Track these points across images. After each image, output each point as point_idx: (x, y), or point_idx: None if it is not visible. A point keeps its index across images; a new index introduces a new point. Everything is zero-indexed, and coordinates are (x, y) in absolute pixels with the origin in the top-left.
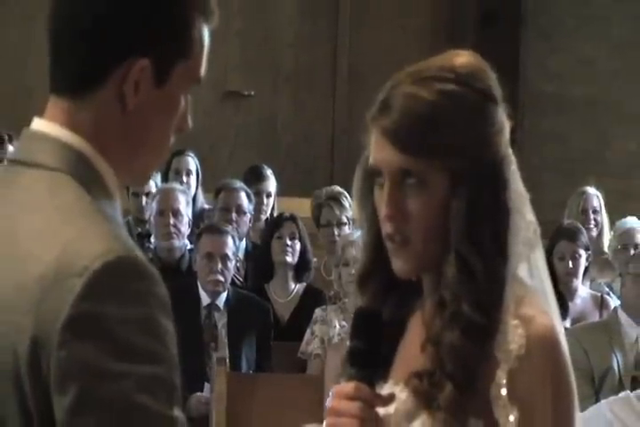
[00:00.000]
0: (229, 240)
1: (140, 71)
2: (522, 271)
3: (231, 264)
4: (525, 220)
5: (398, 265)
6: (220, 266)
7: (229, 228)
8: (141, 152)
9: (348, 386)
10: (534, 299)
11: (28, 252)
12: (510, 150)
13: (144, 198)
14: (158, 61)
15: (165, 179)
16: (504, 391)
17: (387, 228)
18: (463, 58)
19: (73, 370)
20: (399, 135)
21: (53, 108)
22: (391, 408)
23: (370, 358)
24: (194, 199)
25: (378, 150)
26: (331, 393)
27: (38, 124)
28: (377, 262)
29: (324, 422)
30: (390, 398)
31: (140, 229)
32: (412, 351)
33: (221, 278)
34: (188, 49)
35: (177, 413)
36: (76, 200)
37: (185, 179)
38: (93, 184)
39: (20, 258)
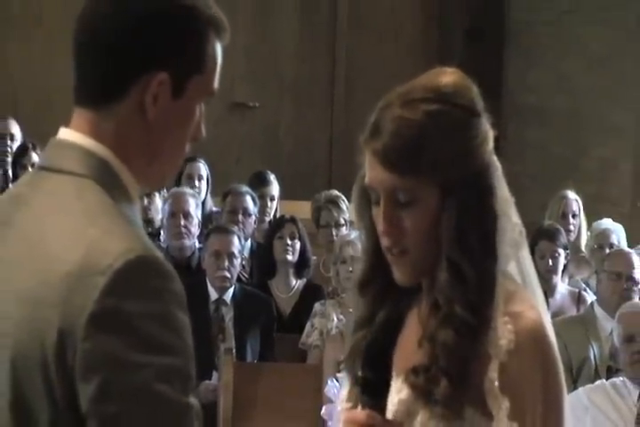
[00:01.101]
0: (235, 240)
1: (159, 85)
2: (511, 269)
3: (237, 262)
4: (511, 222)
5: (398, 274)
6: (226, 263)
7: (235, 228)
8: (159, 159)
9: (362, 413)
10: (523, 294)
11: (54, 251)
12: (495, 158)
13: (145, 199)
14: (176, 75)
15: (178, 183)
16: (496, 384)
17: (385, 241)
18: (447, 77)
19: (97, 361)
20: (389, 157)
21: (78, 119)
22: (394, 406)
23: (379, 388)
24: (203, 202)
25: (371, 171)
26: (342, 419)
27: (65, 134)
28: (376, 269)
29: None
30: (399, 425)
31: (150, 230)
32: (410, 346)
33: (228, 275)
34: (203, 64)
35: (192, 400)
36: (99, 204)
37: (197, 183)
38: (116, 189)
39: (47, 257)
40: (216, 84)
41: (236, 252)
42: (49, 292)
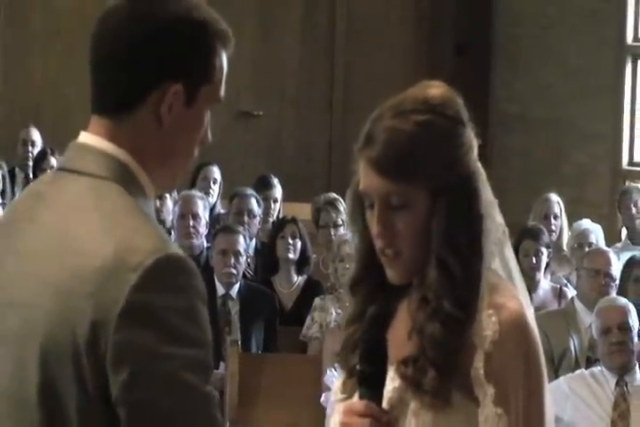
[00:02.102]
0: (241, 239)
1: (174, 95)
2: (495, 265)
3: (242, 259)
4: (495, 223)
5: (392, 274)
6: (232, 261)
7: (241, 228)
8: (172, 162)
9: (359, 404)
10: (506, 286)
11: (84, 247)
12: (479, 164)
13: (157, 201)
14: (188, 86)
15: (193, 185)
16: (481, 372)
17: (379, 243)
18: (434, 89)
19: (127, 352)
20: (382, 165)
21: (96, 125)
22: (389, 393)
23: (377, 380)
24: (213, 204)
25: (365, 178)
26: (342, 410)
27: (85, 138)
28: (368, 269)
29: None
30: (394, 415)
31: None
32: (400, 337)
33: (234, 271)
34: (211, 74)
35: (211, 389)
36: (124, 204)
37: (211, 186)
38: (135, 190)
39: (77, 252)
40: (222, 92)
41: (241, 250)
42: (81, 285)
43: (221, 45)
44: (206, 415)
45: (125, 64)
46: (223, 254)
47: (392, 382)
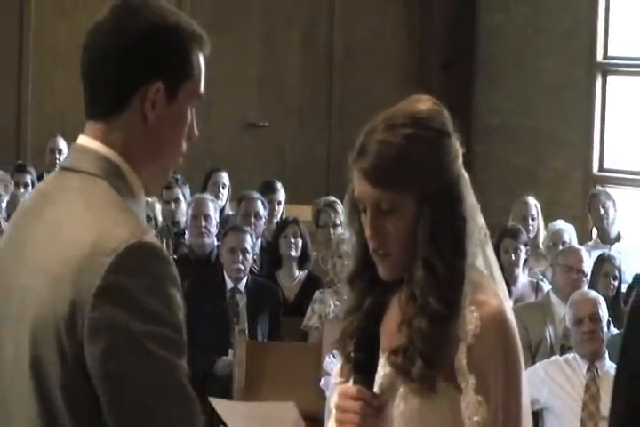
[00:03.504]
0: (248, 238)
1: (155, 92)
2: (478, 263)
3: (249, 256)
4: (478, 225)
5: (382, 272)
6: (240, 257)
7: (248, 228)
8: (162, 157)
9: (353, 389)
10: (487, 283)
11: (71, 237)
12: (464, 171)
13: (173, 204)
14: (169, 83)
15: (204, 190)
16: (464, 362)
17: (371, 244)
18: (422, 104)
19: (102, 328)
20: (373, 176)
21: (91, 129)
22: (380, 378)
23: (369, 368)
24: (223, 207)
25: (359, 186)
26: (337, 394)
27: (83, 140)
28: (363, 266)
29: (333, 417)
30: (384, 400)
31: (176, 229)
32: (392, 328)
33: (242, 267)
34: (190, 72)
35: (181, 363)
36: (110, 199)
37: (221, 190)
38: (123, 187)
39: (65, 241)
40: (202, 88)
41: (248, 248)
42: (65, 270)
43: (196, 46)
44: (176, 385)
45: (111, 72)
46: (232, 252)
47: (383, 369)
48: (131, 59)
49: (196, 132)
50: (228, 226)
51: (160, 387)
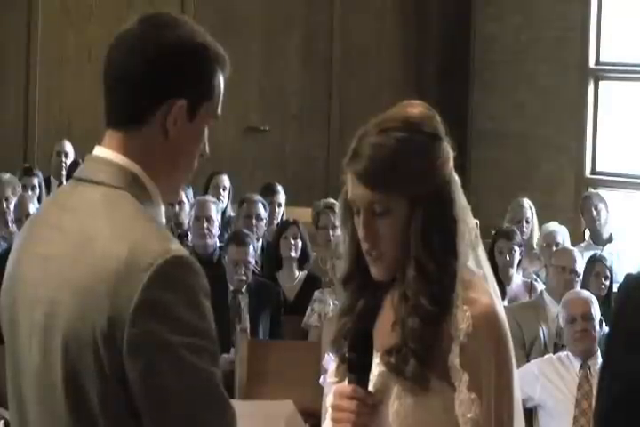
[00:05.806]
0: (250, 249)
1: (179, 109)
2: (470, 263)
3: (251, 265)
4: (468, 227)
5: (375, 272)
6: (243, 270)
7: (249, 235)
8: (177, 172)
9: (348, 388)
10: (478, 282)
11: (103, 251)
12: (455, 174)
13: (176, 206)
14: (191, 101)
15: (206, 192)
16: (457, 361)
17: (364, 246)
18: (414, 108)
19: (142, 343)
20: (366, 178)
21: (110, 139)
22: (375, 377)
23: (364, 367)
24: (225, 209)
25: (352, 188)
26: (332, 393)
27: (100, 151)
28: (356, 267)
29: (329, 416)
30: (379, 399)
31: (180, 231)
32: (385, 327)
33: (244, 278)
34: (211, 92)
35: (216, 370)
36: (135, 211)
37: (222, 192)
38: (144, 198)
39: (96, 255)
40: (219, 109)
41: (250, 259)
42: (98, 284)
43: (220, 68)
44: (217, 397)
45: (137, 84)
46: (235, 265)
47: (377, 369)
48: (159, 74)
49: (208, 150)
50: (230, 230)
51: (203, 400)
